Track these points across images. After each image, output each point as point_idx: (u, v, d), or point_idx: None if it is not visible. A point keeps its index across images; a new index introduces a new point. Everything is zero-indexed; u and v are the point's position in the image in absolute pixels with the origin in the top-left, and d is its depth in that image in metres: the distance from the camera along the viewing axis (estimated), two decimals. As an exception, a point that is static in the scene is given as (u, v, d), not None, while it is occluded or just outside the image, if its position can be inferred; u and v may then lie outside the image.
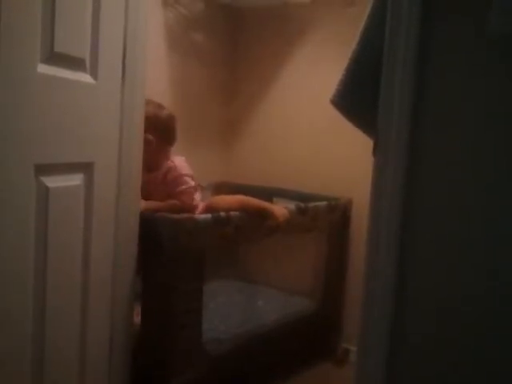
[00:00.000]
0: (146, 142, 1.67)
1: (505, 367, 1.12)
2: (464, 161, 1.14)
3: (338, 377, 2.39)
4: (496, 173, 1.11)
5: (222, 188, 2.81)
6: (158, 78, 2.43)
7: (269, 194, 2.66)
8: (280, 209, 1.97)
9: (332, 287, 2.50)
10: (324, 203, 2.35)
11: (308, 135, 2.68)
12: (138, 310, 1.74)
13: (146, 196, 1.78)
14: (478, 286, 1.14)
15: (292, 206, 2.19)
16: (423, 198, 1.19)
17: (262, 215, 1.91)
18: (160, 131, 1.85)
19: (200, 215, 1.80)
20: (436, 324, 1.19)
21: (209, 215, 1.80)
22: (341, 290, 2.53)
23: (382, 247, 1.22)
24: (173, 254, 1.69)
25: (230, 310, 2.28)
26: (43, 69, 1.23)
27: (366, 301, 1.26)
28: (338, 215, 2.43)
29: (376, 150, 1.25)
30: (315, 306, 2.46)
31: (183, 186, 1.89)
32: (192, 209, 1.88)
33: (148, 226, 1.68)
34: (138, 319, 1.75)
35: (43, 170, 1.25)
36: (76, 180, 1.38)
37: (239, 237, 1.94)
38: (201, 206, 1.98)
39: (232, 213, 1.87)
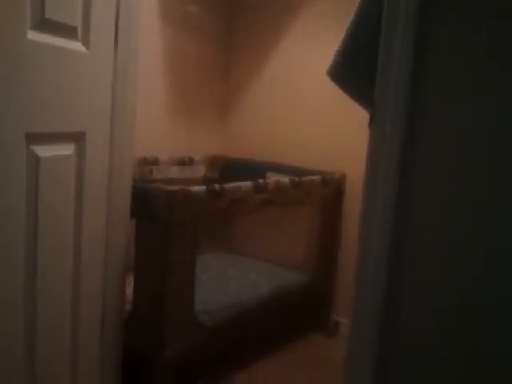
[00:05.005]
0: None
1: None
2: (463, 133, 1.13)
3: (328, 348, 2.42)
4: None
5: (215, 162, 2.80)
6: (152, 49, 2.39)
7: (263, 168, 2.65)
8: None
9: (324, 261, 2.52)
10: (318, 177, 2.35)
11: (303, 110, 2.66)
12: (130, 279, 1.74)
13: None
14: (476, 266, 1.13)
15: (286, 179, 2.19)
16: (420, 171, 1.18)
17: None
18: None
19: (194, 187, 1.78)
20: (430, 294, 1.18)
21: (203, 187, 1.79)
22: (333, 264, 2.55)
23: (376, 221, 1.22)
24: (166, 225, 1.69)
25: (222, 283, 2.30)
26: (33, 36, 1.20)
27: (359, 275, 1.27)
28: (332, 189, 2.44)
29: (372, 123, 1.24)
30: (307, 279, 2.48)
31: None
32: None
33: (141, 198, 1.67)
34: (129, 289, 1.75)
35: (34, 138, 1.23)
36: (67, 150, 1.36)
37: (233, 209, 1.94)
38: None
39: (226, 185, 1.87)
